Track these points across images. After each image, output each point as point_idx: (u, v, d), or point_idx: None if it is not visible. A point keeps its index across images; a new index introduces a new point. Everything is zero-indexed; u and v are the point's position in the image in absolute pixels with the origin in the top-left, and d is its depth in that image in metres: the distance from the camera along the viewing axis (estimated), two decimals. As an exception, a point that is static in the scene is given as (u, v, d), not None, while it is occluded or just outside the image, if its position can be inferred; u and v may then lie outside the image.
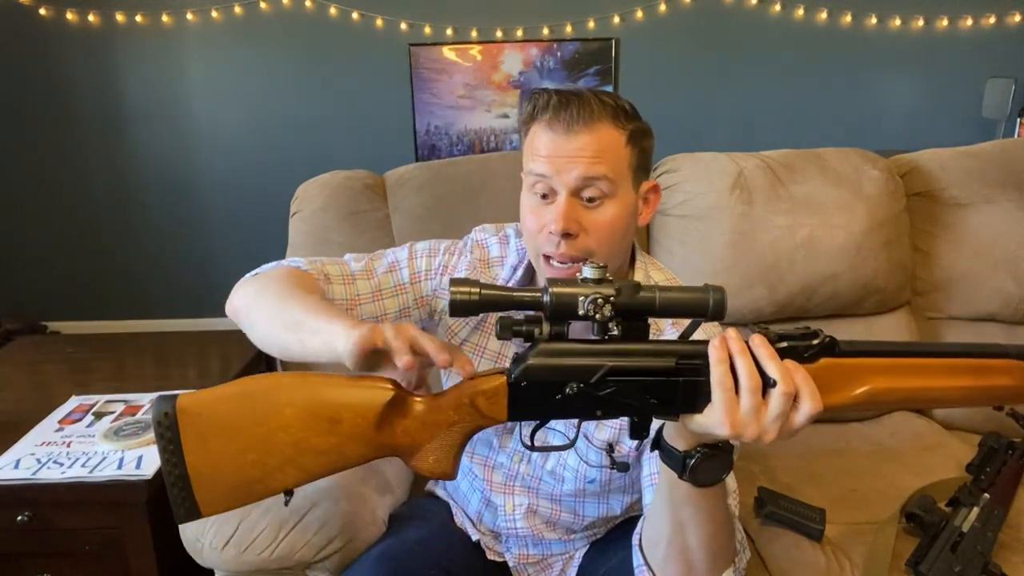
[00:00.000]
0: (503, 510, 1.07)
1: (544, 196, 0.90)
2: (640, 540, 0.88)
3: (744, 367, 0.63)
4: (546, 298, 0.64)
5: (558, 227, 0.86)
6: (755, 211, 1.58)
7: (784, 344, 0.66)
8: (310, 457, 0.64)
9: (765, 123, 3.47)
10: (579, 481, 1.02)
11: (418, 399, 0.68)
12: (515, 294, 0.67)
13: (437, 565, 1.03)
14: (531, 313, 0.67)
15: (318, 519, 1.18)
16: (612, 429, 0.97)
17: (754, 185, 1.59)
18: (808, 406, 0.63)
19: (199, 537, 1.17)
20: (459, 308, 0.66)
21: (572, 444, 0.76)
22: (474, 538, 1.13)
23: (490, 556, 1.12)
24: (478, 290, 0.65)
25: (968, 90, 3.34)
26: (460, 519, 1.15)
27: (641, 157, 0.92)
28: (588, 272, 0.65)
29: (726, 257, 1.58)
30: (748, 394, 0.63)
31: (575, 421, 0.96)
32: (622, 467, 0.99)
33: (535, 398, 0.66)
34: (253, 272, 0.99)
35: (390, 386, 0.67)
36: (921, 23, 3.34)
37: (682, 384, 0.66)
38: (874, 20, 3.33)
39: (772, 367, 0.63)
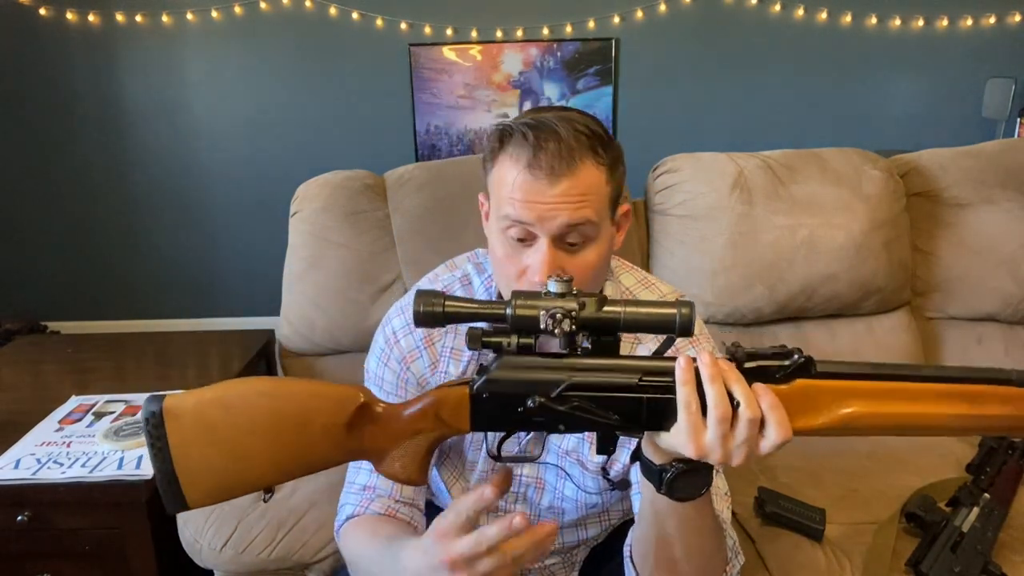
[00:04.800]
0: None
1: (520, 240, 0.83)
2: (631, 551, 0.88)
3: (714, 395, 0.61)
4: (509, 311, 0.64)
5: (543, 278, 0.79)
6: (755, 211, 1.58)
7: (753, 364, 0.64)
8: (285, 458, 0.66)
9: (765, 123, 3.47)
10: (580, 510, 1.00)
11: (382, 407, 0.69)
12: (480, 308, 0.67)
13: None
14: (500, 324, 0.66)
15: (316, 520, 1.18)
16: None
17: (754, 185, 1.59)
18: (775, 434, 0.62)
19: (198, 538, 1.17)
20: (424, 319, 0.66)
21: (537, 458, 0.76)
22: None
23: None
24: (442, 301, 0.66)
25: (968, 90, 3.34)
26: None
27: (619, 187, 0.87)
28: (552, 286, 0.65)
29: (726, 257, 1.57)
30: (716, 423, 0.61)
31: (565, 449, 0.96)
32: (623, 485, 0.97)
33: (497, 410, 0.66)
34: (337, 524, 0.98)
35: (360, 393, 0.68)
36: (921, 23, 3.33)
37: (646, 402, 0.65)
38: (874, 20, 3.33)
39: (738, 391, 0.62)
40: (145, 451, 1.32)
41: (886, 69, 3.40)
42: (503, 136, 0.83)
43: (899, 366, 0.66)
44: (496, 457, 0.74)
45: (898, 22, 3.34)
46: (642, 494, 0.79)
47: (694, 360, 0.63)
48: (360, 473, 0.97)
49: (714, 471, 0.71)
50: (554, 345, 0.66)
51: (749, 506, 1.29)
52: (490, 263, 0.98)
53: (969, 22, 3.32)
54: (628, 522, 1.08)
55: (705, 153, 1.68)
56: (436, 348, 0.97)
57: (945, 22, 3.33)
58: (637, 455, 0.72)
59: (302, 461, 0.67)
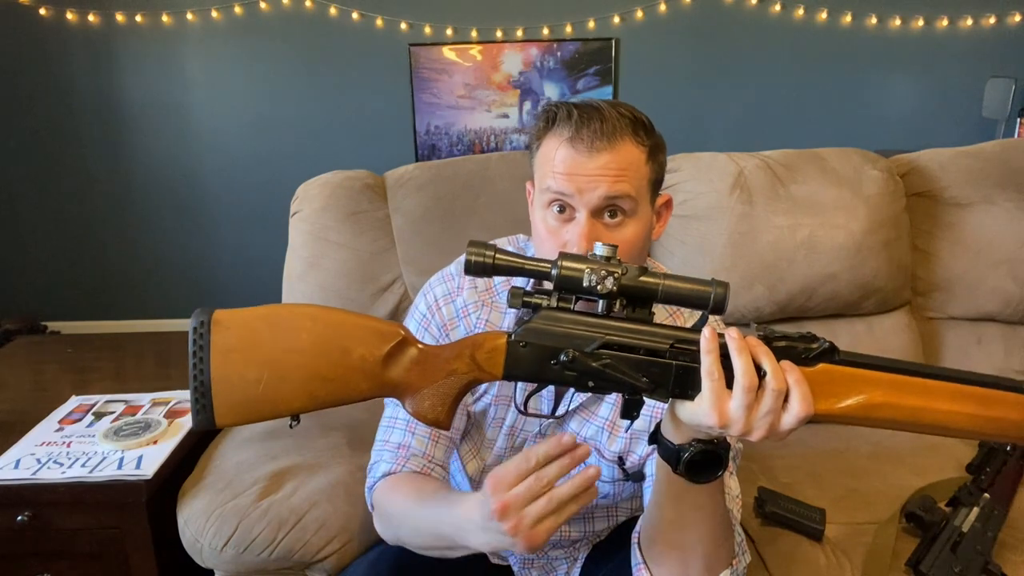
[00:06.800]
0: None
1: (561, 211, 0.86)
2: (639, 537, 0.89)
3: (742, 365, 0.64)
4: (554, 270, 0.67)
5: (580, 249, 0.82)
6: (755, 211, 1.58)
7: (782, 343, 0.67)
8: (318, 383, 0.68)
9: (765, 123, 3.47)
10: None
11: (421, 345, 0.72)
12: (527, 263, 0.69)
13: (437, 567, 1.03)
14: (541, 288, 0.70)
15: (317, 520, 1.18)
16: (623, 440, 0.96)
17: (754, 185, 1.59)
18: (798, 407, 0.64)
19: (199, 537, 1.17)
20: (474, 268, 0.69)
21: (561, 418, 0.78)
22: None
23: (493, 560, 1.12)
24: (493, 253, 0.69)
25: (968, 90, 3.34)
26: None
27: (659, 172, 0.90)
28: (599, 249, 0.68)
29: (726, 257, 1.57)
30: (742, 392, 0.63)
31: (584, 437, 0.97)
32: (637, 477, 0.98)
33: (532, 360, 0.69)
34: (372, 480, 0.99)
35: (401, 330, 0.71)
36: (921, 23, 3.34)
37: (675, 368, 0.67)
38: (874, 20, 3.34)
39: (766, 363, 0.64)
40: (145, 451, 1.32)
41: (886, 69, 3.40)
42: (548, 117, 0.87)
43: (917, 364, 0.69)
44: (523, 411, 0.77)
45: (898, 22, 3.34)
46: (657, 477, 0.81)
47: (721, 335, 0.66)
48: (394, 432, 0.99)
49: (729, 462, 0.72)
50: (591, 310, 0.69)
51: (749, 506, 1.29)
52: (531, 246, 1.02)
53: (969, 22, 3.32)
54: (631, 522, 1.08)
55: (705, 153, 1.68)
56: (471, 319, 1.00)
57: (945, 22, 3.33)
58: (655, 437, 0.74)
59: (334, 388, 0.68)
